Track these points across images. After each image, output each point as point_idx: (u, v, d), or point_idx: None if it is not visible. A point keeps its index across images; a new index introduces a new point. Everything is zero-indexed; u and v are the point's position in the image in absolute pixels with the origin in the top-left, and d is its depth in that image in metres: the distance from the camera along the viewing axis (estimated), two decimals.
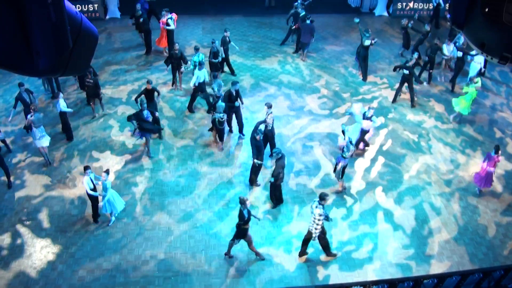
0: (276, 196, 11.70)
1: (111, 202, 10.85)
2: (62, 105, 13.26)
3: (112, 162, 13.10)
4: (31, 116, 12.28)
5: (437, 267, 10.45)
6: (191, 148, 13.64)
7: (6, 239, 10.76)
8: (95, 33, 3.26)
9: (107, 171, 10.94)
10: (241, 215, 9.73)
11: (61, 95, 13.41)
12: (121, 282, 9.86)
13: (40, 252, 10.46)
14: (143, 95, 13.61)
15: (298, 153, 13.72)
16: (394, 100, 16.16)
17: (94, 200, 10.98)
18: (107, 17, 21.63)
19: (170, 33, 17.74)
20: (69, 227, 11.11)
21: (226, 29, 17.08)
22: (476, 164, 13.36)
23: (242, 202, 9.68)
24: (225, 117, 13.14)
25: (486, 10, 3.16)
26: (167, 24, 17.54)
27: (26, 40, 2.65)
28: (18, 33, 2.63)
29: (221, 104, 13.02)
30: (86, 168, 10.76)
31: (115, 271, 10.09)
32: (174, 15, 17.85)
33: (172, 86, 16.55)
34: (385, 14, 23.67)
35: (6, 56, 2.70)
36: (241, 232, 9.94)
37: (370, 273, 10.24)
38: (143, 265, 10.23)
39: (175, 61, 15.86)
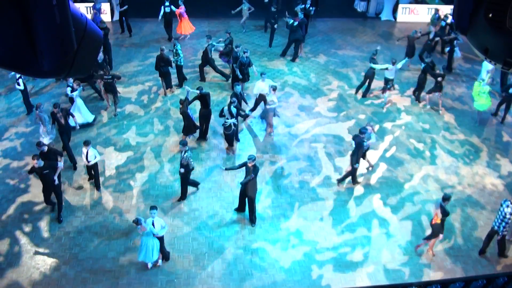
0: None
1: (147, 248, 9.80)
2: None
3: (115, 162, 13.16)
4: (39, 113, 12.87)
5: (440, 273, 10.39)
6: (195, 151, 13.65)
7: (10, 239, 10.80)
8: (99, 35, 3.28)
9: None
10: (444, 211, 10.16)
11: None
12: (124, 284, 9.86)
13: (43, 253, 10.49)
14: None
15: (302, 153, 13.83)
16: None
17: (161, 240, 10.06)
18: (114, 19, 21.78)
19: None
20: (73, 228, 11.14)
21: (237, 45, 16.68)
22: (479, 175, 13.30)
23: (448, 198, 10.28)
24: (232, 122, 13.25)
25: (490, 15, 3.16)
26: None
27: (31, 42, 2.67)
28: (23, 35, 2.65)
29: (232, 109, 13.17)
30: (152, 207, 9.77)
31: (118, 273, 10.09)
32: (178, 9, 19.29)
33: (167, 90, 16.46)
34: (391, 19, 23.69)
35: (12, 57, 2.72)
36: (443, 226, 10.40)
37: (364, 276, 10.24)
38: (146, 267, 10.23)
39: (164, 64, 15.80)
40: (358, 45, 20.76)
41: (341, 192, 12.47)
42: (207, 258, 10.48)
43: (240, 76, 15.59)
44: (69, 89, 14.28)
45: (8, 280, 9.83)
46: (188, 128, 13.73)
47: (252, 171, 10.85)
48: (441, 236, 10.50)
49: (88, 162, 11.82)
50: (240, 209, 11.63)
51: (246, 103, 14.90)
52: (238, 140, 14.12)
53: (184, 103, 13.30)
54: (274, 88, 14.01)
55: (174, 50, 16.16)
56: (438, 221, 10.32)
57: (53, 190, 11.15)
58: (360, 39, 21.54)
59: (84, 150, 11.70)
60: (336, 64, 18.89)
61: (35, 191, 12.07)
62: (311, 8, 20.04)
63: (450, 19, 18.41)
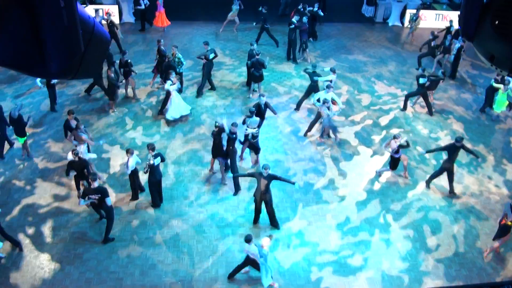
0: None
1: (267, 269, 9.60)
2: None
3: (120, 161, 13.21)
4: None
5: (442, 281, 10.34)
6: (201, 154, 13.68)
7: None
8: (107, 37, 3.31)
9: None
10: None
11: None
12: (127, 285, 9.89)
13: (48, 253, 10.53)
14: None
15: (308, 156, 13.88)
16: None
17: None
18: (122, 21, 21.91)
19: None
20: (77, 229, 11.19)
21: (252, 42, 16.89)
22: (485, 184, 13.21)
23: None
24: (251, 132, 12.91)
25: (496, 23, 3.15)
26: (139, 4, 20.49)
27: (39, 43, 2.69)
28: (31, 36, 2.67)
29: (254, 119, 12.92)
30: (248, 240, 9.42)
31: (122, 274, 10.12)
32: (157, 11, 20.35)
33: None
34: (399, 24, 23.69)
35: (19, 58, 2.74)
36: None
37: (363, 282, 10.23)
38: (150, 269, 10.26)
39: (166, 69, 15.70)
40: (366, 50, 20.74)
41: (345, 196, 12.45)
42: (211, 261, 10.49)
43: (257, 74, 15.92)
44: (169, 82, 14.50)
45: (13, 279, 9.88)
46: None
47: (267, 180, 10.83)
48: (507, 236, 10.63)
49: (127, 169, 11.51)
50: (255, 221, 11.52)
51: (275, 113, 14.14)
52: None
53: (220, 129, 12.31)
54: (325, 101, 13.86)
55: (177, 59, 16.01)
56: (509, 223, 10.39)
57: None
58: (368, 43, 21.52)
59: (126, 158, 11.49)
60: (344, 69, 18.86)
61: (41, 192, 12.15)
62: (319, 10, 20.03)
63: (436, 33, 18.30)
